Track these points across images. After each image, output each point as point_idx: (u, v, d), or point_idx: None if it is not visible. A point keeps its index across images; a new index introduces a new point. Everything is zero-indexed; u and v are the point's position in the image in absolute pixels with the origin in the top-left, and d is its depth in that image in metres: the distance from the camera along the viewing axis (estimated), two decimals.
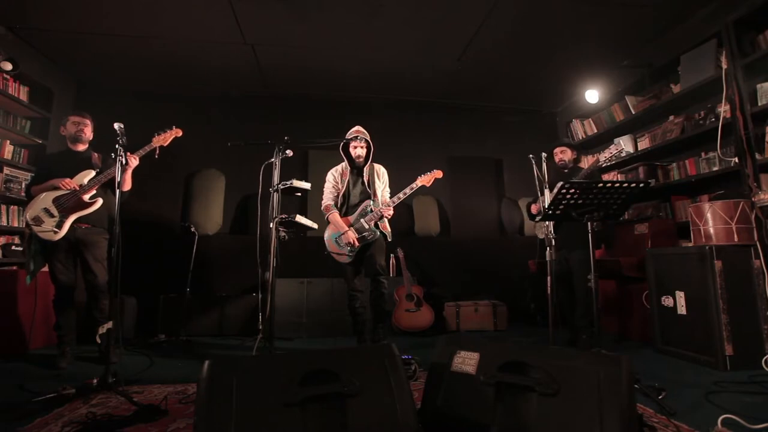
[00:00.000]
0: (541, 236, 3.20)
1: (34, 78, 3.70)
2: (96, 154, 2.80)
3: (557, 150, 3.20)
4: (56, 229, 2.54)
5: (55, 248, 2.61)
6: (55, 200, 2.58)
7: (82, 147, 2.79)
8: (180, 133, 2.76)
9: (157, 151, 2.66)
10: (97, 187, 2.63)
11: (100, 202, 2.66)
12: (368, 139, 2.96)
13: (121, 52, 3.76)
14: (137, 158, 2.58)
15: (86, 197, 2.61)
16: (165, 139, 2.69)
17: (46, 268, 3.22)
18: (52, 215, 2.56)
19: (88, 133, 2.77)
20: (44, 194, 2.60)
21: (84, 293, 2.76)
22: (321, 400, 1.24)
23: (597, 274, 2.28)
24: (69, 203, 2.58)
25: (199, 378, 1.20)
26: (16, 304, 2.96)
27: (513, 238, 4.79)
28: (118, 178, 2.17)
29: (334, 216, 2.91)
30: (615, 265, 3.45)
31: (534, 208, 3.17)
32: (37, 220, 2.54)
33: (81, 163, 2.70)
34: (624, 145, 4.07)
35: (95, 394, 1.98)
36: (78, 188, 2.60)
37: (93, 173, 2.66)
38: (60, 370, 2.49)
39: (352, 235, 2.82)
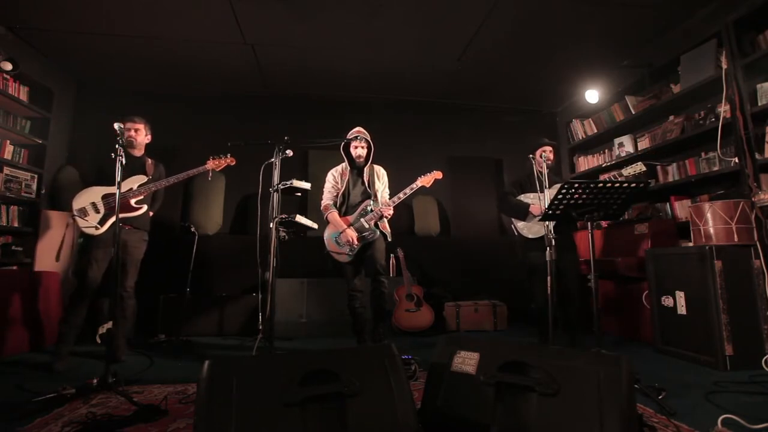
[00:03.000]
0: (530, 236, 3.07)
1: (34, 78, 3.70)
2: (150, 160, 2.87)
3: (548, 149, 3.06)
4: (98, 225, 2.58)
5: (98, 245, 2.63)
6: (104, 197, 2.63)
7: (137, 152, 2.84)
8: (233, 162, 2.90)
9: (210, 175, 2.83)
10: (145, 194, 2.71)
11: (144, 208, 2.74)
12: (369, 139, 2.96)
13: (121, 52, 3.76)
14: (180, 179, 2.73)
15: (133, 201, 2.67)
16: (218, 165, 2.84)
17: (38, 267, 3.23)
18: (98, 211, 2.60)
19: (140, 138, 2.81)
20: (95, 189, 2.65)
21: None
22: (321, 400, 1.24)
23: (597, 274, 2.28)
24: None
25: (199, 378, 1.20)
26: (15, 304, 2.96)
27: (513, 238, 4.78)
28: (118, 178, 2.18)
29: (333, 215, 2.91)
30: (610, 265, 3.46)
31: (535, 209, 3.04)
32: (83, 212, 2.58)
33: (134, 167, 2.76)
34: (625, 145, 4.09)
35: (95, 394, 1.97)
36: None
37: (144, 179, 2.74)
38: (56, 372, 2.44)
39: (350, 233, 2.82)
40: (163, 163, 3.01)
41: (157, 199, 3.01)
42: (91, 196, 2.63)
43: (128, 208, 2.65)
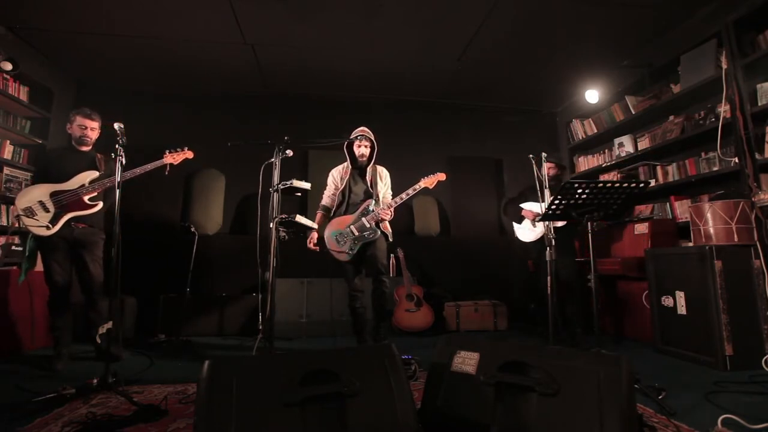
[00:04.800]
0: (525, 239, 3.34)
1: (34, 78, 3.70)
2: (99, 155, 2.76)
3: (551, 164, 3.27)
4: (50, 225, 2.45)
5: (53, 248, 2.54)
6: (54, 195, 2.50)
7: (86, 148, 2.75)
8: (191, 156, 2.80)
9: (167, 169, 2.69)
10: (99, 190, 2.60)
11: (100, 205, 2.63)
12: (372, 139, 2.97)
13: (121, 52, 3.76)
14: (135, 174, 2.57)
15: (86, 198, 2.57)
16: (176, 158, 2.72)
17: (38, 267, 3.21)
18: (47, 210, 2.48)
19: (94, 136, 2.73)
20: (41, 186, 2.52)
21: (79, 293, 2.72)
22: (321, 400, 1.24)
23: (597, 274, 2.29)
24: (68, 201, 2.52)
25: (199, 378, 1.20)
26: (15, 304, 2.96)
27: (513, 238, 4.78)
28: (118, 178, 2.17)
29: (318, 215, 3.04)
30: (599, 264, 3.48)
31: (529, 215, 3.27)
32: (30, 212, 2.44)
33: (84, 163, 2.66)
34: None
35: (95, 394, 1.97)
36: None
37: (96, 174, 2.63)
38: (56, 372, 2.46)
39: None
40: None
41: (109, 195, 2.88)
42: (38, 194, 2.47)
43: (82, 205, 2.54)
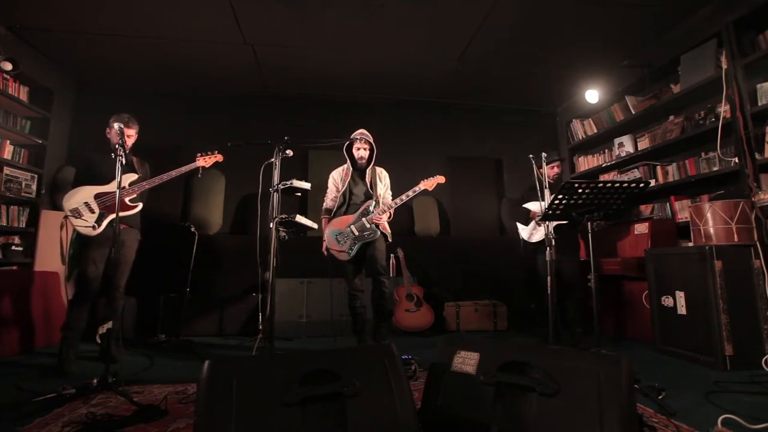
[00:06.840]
0: (532, 240, 3.29)
1: (34, 78, 3.70)
2: (136, 158, 2.85)
3: (553, 164, 3.30)
4: (96, 224, 2.55)
5: (95, 247, 2.61)
6: (98, 196, 2.59)
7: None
8: (221, 159, 2.90)
9: (200, 171, 2.82)
10: (138, 191, 2.68)
11: (140, 206, 2.72)
12: (371, 141, 2.98)
13: (121, 52, 3.76)
14: (170, 177, 2.69)
15: (127, 200, 2.65)
16: (207, 161, 2.83)
17: (38, 267, 3.22)
18: (92, 211, 2.57)
19: (131, 142, 2.80)
20: (85, 188, 2.61)
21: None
22: (321, 400, 1.24)
23: (597, 274, 2.29)
24: (112, 202, 2.57)
25: (199, 378, 1.20)
26: (15, 304, 2.96)
27: (513, 238, 4.78)
28: (117, 178, 2.17)
29: (324, 221, 3.07)
30: (600, 265, 3.49)
31: (535, 215, 3.26)
32: (77, 213, 2.54)
33: (122, 166, 2.72)
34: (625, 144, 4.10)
35: (95, 394, 1.97)
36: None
37: (134, 176, 2.72)
38: (66, 374, 2.40)
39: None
40: (164, 163, 3.00)
41: (143, 197, 2.97)
42: (83, 195, 2.58)
43: (124, 206, 2.62)
